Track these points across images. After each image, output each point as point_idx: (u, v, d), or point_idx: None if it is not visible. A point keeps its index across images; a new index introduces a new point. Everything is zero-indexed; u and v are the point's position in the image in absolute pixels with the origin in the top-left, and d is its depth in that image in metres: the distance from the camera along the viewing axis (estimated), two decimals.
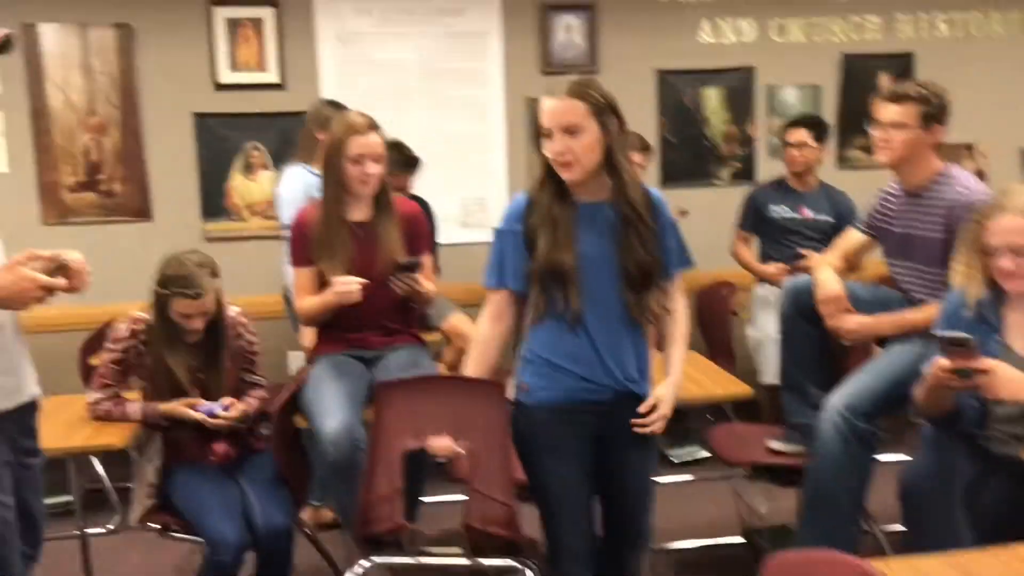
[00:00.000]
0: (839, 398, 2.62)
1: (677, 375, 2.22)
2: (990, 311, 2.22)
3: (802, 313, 2.87)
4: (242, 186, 4.33)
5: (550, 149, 2.03)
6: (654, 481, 2.29)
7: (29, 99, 4.12)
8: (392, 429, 2.25)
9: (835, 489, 2.60)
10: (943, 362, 2.06)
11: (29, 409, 2.00)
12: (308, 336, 3.01)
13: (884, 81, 4.71)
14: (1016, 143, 4.89)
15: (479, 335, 2.24)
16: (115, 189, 4.25)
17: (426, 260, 2.80)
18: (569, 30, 4.45)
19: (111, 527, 3.43)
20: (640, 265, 2.08)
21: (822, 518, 2.61)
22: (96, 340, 3.88)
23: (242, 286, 2.67)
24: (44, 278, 1.86)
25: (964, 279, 2.26)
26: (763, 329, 3.96)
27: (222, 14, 4.19)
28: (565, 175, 2.04)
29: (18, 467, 1.92)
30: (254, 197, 4.35)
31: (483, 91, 4.43)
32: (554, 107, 2.00)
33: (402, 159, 3.75)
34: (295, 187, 3.51)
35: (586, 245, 2.07)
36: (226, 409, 2.59)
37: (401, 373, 2.66)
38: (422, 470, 2.57)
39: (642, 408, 2.14)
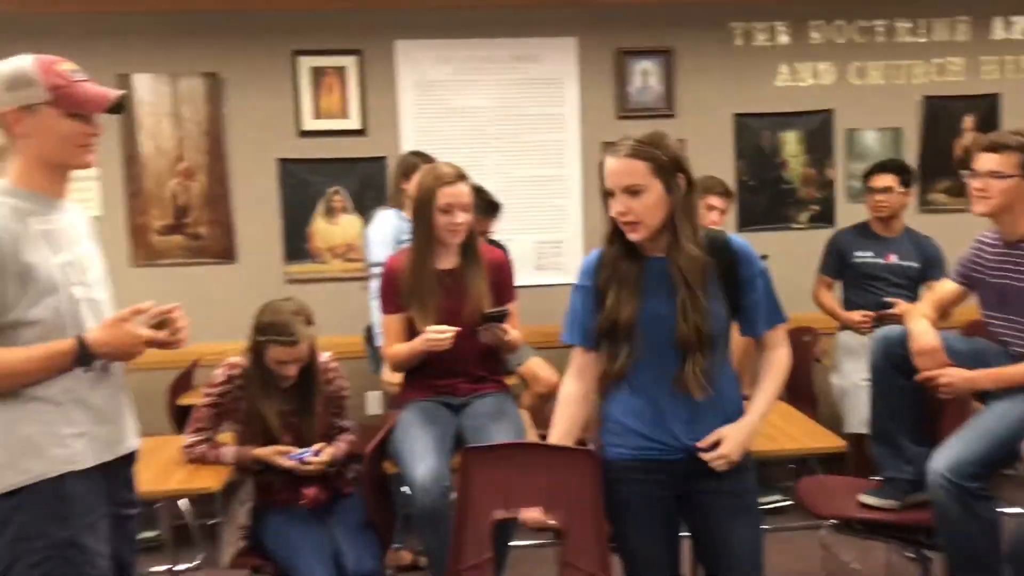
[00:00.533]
0: (943, 462, 2.54)
1: (753, 418, 2.12)
2: None
3: (894, 364, 2.80)
4: (324, 229, 4.42)
5: (614, 209, 2.02)
6: (761, 551, 2.19)
7: (122, 146, 4.28)
8: (481, 497, 2.20)
9: (974, 550, 2.52)
10: None
11: (129, 460, 2.04)
12: (391, 374, 3.07)
13: (968, 124, 4.63)
14: None
15: (562, 392, 2.22)
16: (201, 232, 4.38)
17: (512, 308, 2.82)
18: (646, 75, 4.47)
19: (197, 562, 3.48)
20: (693, 327, 1.99)
21: None
22: (183, 380, 3.99)
23: (321, 327, 2.72)
24: (147, 333, 1.91)
25: None
26: (848, 377, 3.88)
27: (307, 63, 4.32)
28: (630, 235, 2.02)
29: (115, 518, 1.95)
30: (335, 240, 4.43)
31: (559, 135, 4.47)
32: (616, 168, 1.98)
33: (483, 204, 3.80)
34: (384, 229, 3.62)
35: (650, 302, 2.04)
36: (316, 454, 2.63)
37: (488, 421, 2.68)
38: (510, 535, 2.56)
39: (701, 443, 2.06)
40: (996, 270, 2.74)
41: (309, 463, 2.61)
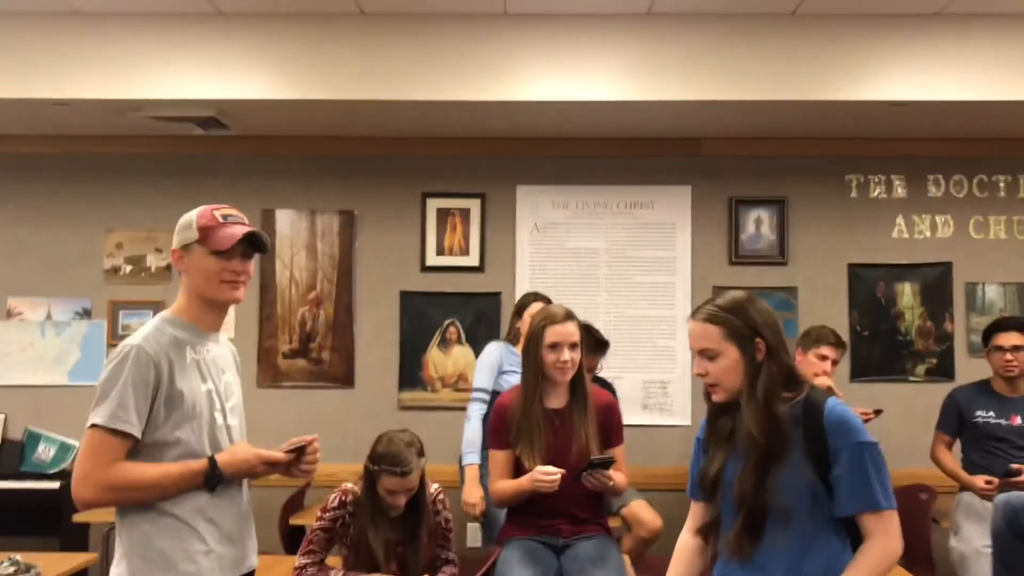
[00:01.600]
0: None
1: None
2: None
3: (1017, 533, 2.69)
4: (438, 359, 4.60)
5: (695, 369, 2.05)
6: None
7: (259, 274, 4.62)
8: None
9: None
10: None
11: None
12: (471, 493, 3.37)
13: None
14: None
15: (679, 543, 2.17)
16: (324, 357, 4.62)
17: (618, 452, 2.86)
18: (759, 223, 4.56)
19: None
20: (743, 495, 1.93)
21: None
22: (296, 500, 4.14)
23: (429, 455, 2.82)
24: (267, 453, 2.09)
25: None
26: (969, 541, 3.68)
27: (434, 204, 4.61)
28: (713, 396, 2.03)
29: None
30: (448, 370, 4.60)
31: (670, 278, 4.57)
32: (692, 331, 2.01)
33: (592, 341, 3.90)
34: (490, 358, 3.81)
35: (731, 462, 2.00)
36: None
37: (589, 565, 2.69)
38: None
39: None
40: None
41: None
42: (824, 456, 1.90)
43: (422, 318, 4.61)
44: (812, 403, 1.94)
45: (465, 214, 4.61)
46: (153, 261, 4.64)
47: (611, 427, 2.88)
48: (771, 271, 4.55)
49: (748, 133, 4.45)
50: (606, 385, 3.95)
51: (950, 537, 3.86)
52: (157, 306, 4.60)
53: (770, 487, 1.90)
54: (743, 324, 1.96)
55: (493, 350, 3.86)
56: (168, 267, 4.60)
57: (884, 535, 1.91)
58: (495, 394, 3.40)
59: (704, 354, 1.99)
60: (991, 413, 3.82)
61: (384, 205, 4.64)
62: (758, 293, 4.50)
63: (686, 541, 2.15)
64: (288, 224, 4.65)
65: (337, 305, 4.63)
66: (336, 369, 4.63)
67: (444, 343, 4.61)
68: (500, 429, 2.88)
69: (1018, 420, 3.77)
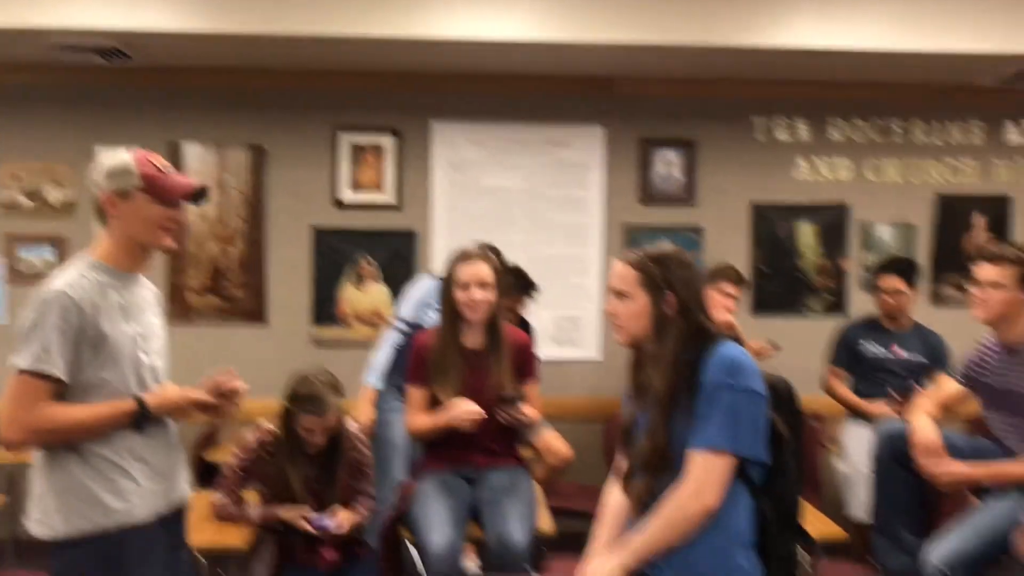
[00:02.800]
0: (939, 556, 2.64)
1: (623, 557, 1.93)
2: None
3: (896, 458, 2.92)
4: (352, 296, 4.61)
5: (606, 306, 2.10)
6: None
7: None
8: None
9: None
10: None
11: (183, 510, 2.23)
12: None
13: (980, 222, 4.77)
14: None
15: (605, 495, 2.16)
16: (235, 294, 4.58)
17: (532, 388, 2.97)
18: (668, 164, 4.67)
19: None
20: (648, 448, 1.95)
21: None
22: (209, 436, 4.14)
23: (344, 390, 2.88)
24: (198, 395, 2.15)
25: None
26: (854, 464, 3.96)
27: (347, 140, 4.56)
28: (616, 335, 2.07)
29: (169, 565, 2.14)
30: (362, 306, 4.61)
31: (584, 218, 4.66)
32: (614, 269, 2.06)
33: (520, 283, 3.98)
34: (420, 287, 3.76)
35: (643, 414, 2.03)
36: (337, 523, 2.75)
37: (501, 494, 2.80)
38: None
39: None
40: (996, 374, 2.87)
41: (329, 531, 2.73)
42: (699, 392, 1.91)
43: (336, 255, 4.59)
44: (707, 349, 1.94)
45: (379, 150, 4.58)
46: (53, 195, 4.47)
47: (525, 365, 2.97)
48: (680, 211, 4.69)
49: (660, 75, 4.52)
50: (526, 326, 4.04)
51: (837, 460, 4.14)
52: (57, 242, 4.46)
53: (671, 439, 1.92)
54: (660, 276, 1.98)
55: (423, 284, 3.83)
56: (72, 203, 4.44)
57: (694, 481, 1.87)
58: (417, 327, 3.44)
59: (617, 294, 2.04)
60: (878, 346, 4.08)
61: (295, 140, 4.56)
62: (667, 233, 4.69)
63: (613, 494, 2.14)
64: (195, 158, 4.53)
65: (248, 241, 4.57)
66: (248, 306, 4.59)
67: (359, 280, 4.61)
68: (418, 367, 2.95)
69: (900, 352, 4.05)
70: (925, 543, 2.77)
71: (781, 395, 2.02)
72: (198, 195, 2.16)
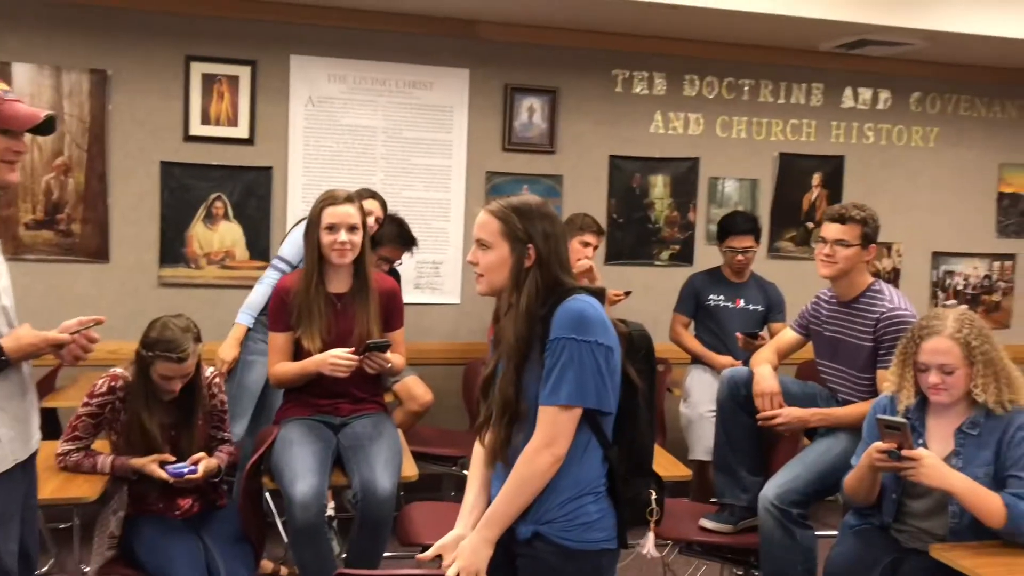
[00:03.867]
0: (772, 489, 2.87)
1: (483, 534, 1.93)
2: (916, 417, 2.51)
3: (738, 402, 3.12)
4: (202, 235, 4.41)
5: (469, 257, 2.08)
6: None
7: None
8: None
9: (789, 569, 2.84)
10: (880, 444, 2.35)
11: (35, 456, 2.13)
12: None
13: (816, 180, 5.10)
14: (929, 246, 5.33)
15: (476, 448, 2.13)
16: (74, 229, 4.28)
17: (398, 335, 2.96)
18: (531, 111, 4.70)
19: (47, 569, 3.42)
20: (503, 400, 1.95)
21: None
22: (46, 382, 3.89)
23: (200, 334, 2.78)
24: (52, 335, 2.05)
25: (896, 388, 2.54)
26: (696, 408, 4.20)
27: (199, 69, 4.31)
28: (477, 285, 2.06)
29: (27, 513, 2.04)
30: (213, 246, 4.43)
31: (446, 161, 4.64)
32: (478, 219, 2.04)
33: (402, 235, 3.93)
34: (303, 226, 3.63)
35: (501, 365, 2.03)
36: (194, 469, 2.68)
37: (366, 440, 2.81)
38: None
39: (424, 556, 2.04)
40: (830, 325, 3.11)
41: (186, 477, 2.65)
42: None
43: (185, 191, 4.37)
44: (557, 303, 1.93)
45: (234, 81, 4.35)
46: None
47: (392, 311, 2.97)
48: (541, 159, 4.75)
49: (524, 20, 4.52)
50: (393, 273, 4.01)
51: (680, 404, 4.38)
52: None
53: (523, 390, 1.93)
54: (521, 227, 1.97)
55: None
56: None
57: (543, 436, 1.88)
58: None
59: (480, 244, 2.03)
60: (721, 297, 4.32)
61: (142, 66, 4.26)
62: (528, 180, 4.75)
63: (479, 451, 2.12)
64: (27, 80, 4.16)
65: (89, 173, 4.27)
66: (89, 242, 4.31)
67: (209, 218, 4.41)
68: (280, 311, 2.88)
69: (741, 303, 4.31)
70: (761, 481, 3.00)
71: (638, 345, 2.06)
72: (46, 125, 1.98)
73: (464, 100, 4.62)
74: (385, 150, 4.57)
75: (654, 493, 2.05)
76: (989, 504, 2.28)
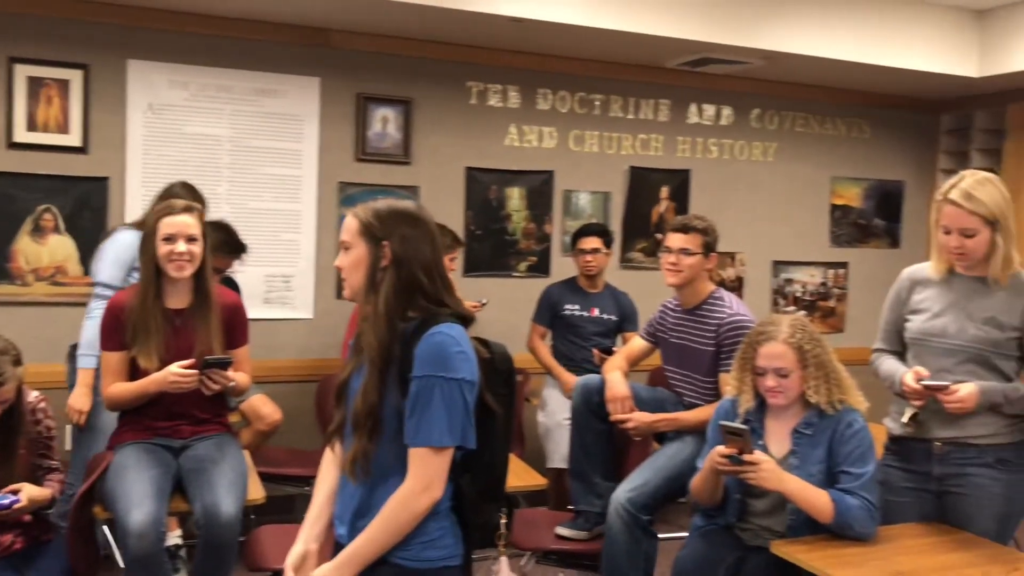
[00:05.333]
0: (623, 493, 2.92)
1: (349, 565, 1.84)
2: (756, 419, 2.61)
3: (591, 409, 3.17)
4: (29, 249, 4.10)
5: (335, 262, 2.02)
6: None
7: None
8: None
9: (627, 572, 2.88)
10: (721, 448, 2.43)
11: None
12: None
13: (664, 193, 5.27)
14: (769, 255, 5.60)
15: (326, 453, 2.08)
16: None
17: (243, 352, 2.84)
18: (386, 121, 4.64)
19: None
20: (359, 411, 1.87)
21: None
22: None
23: (22, 357, 2.57)
24: None
25: (737, 391, 2.63)
26: (553, 415, 4.25)
27: (24, 72, 4.02)
28: (344, 291, 2.00)
29: None
30: (42, 261, 4.12)
31: (297, 171, 4.51)
32: (344, 222, 1.99)
33: (230, 242, 3.76)
34: (120, 249, 3.41)
35: (357, 372, 1.96)
36: (16, 500, 2.47)
37: (208, 464, 2.67)
38: None
39: None
40: (676, 332, 3.20)
41: (7, 509, 2.44)
42: (407, 381, 1.84)
43: (10, 202, 4.05)
44: (422, 325, 1.87)
45: (64, 86, 4.08)
46: None
47: (235, 327, 2.84)
48: (396, 170, 4.69)
49: (377, 30, 4.47)
50: (231, 283, 3.85)
51: (538, 413, 4.42)
52: None
53: (384, 400, 1.86)
54: (379, 225, 1.92)
55: (126, 241, 3.41)
56: None
57: (420, 479, 1.82)
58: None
59: (343, 246, 1.98)
60: (576, 306, 4.40)
61: None
62: (382, 191, 4.69)
63: (328, 466, 2.08)
64: None
65: None
66: None
67: (38, 231, 4.11)
68: (114, 329, 2.70)
69: (596, 312, 4.39)
70: (614, 486, 3.05)
71: (499, 368, 2.00)
72: None
73: (315, 109, 4.51)
74: (231, 160, 4.39)
75: (504, 517, 2.02)
76: (819, 502, 2.40)
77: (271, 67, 4.42)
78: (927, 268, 2.67)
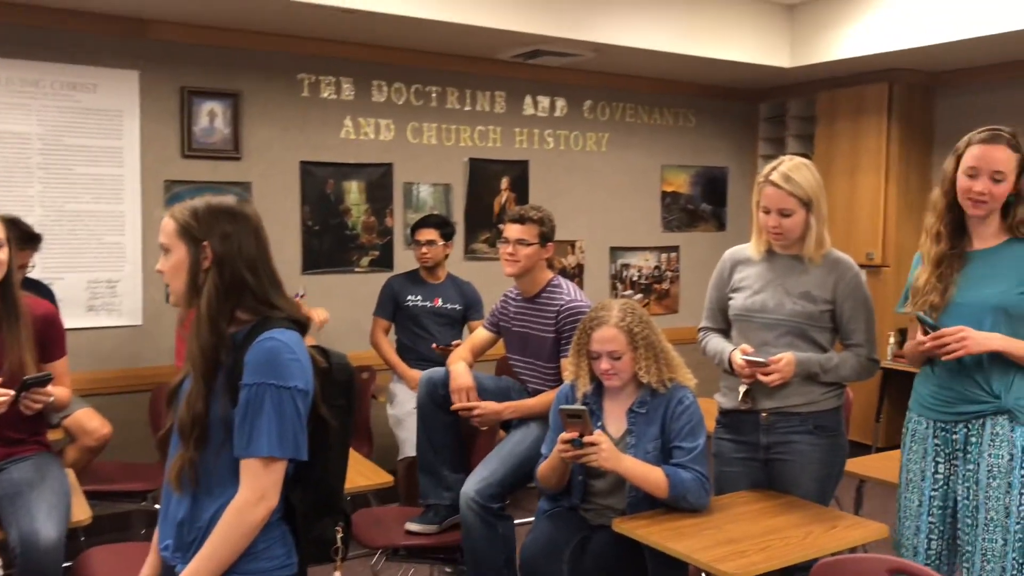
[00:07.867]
0: (472, 485, 2.94)
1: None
2: (594, 402, 2.68)
3: (436, 402, 3.17)
4: None
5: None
6: None
7: None
8: None
9: (490, 561, 2.90)
10: (564, 435, 2.48)
11: None
12: None
13: (505, 184, 5.33)
14: (607, 242, 5.77)
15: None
16: None
17: (60, 365, 2.65)
18: (213, 115, 4.45)
19: None
20: (185, 418, 1.78)
21: None
22: None
23: None
24: None
25: (574, 376, 2.70)
26: (402, 406, 4.22)
27: None
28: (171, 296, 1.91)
29: None
30: None
31: (118, 170, 4.25)
32: (162, 222, 1.89)
33: (20, 235, 3.48)
34: None
35: (190, 378, 1.87)
36: None
37: (26, 488, 2.49)
38: None
39: None
40: (518, 320, 3.24)
41: None
42: (237, 389, 1.76)
43: None
44: (254, 330, 1.80)
45: None
46: None
47: (50, 339, 2.64)
48: (225, 165, 4.51)
49: (201, 20, 4.27)
50: (43, 289, 3.59)
51: (387, 406, 4.38)
52: None
53: (211, 407, 1.78)
54: (197, 225, 1.82)
55: None
56: None
57: (254, 491, 1.74)
58: None
59: (162, 248, 1.87)
60: (419, 297, 4.38)
61: None
62: (212, 187, 4.51)
63: None
64: None
65: None
66: None
67: None
68: None
69: (439, 302, 4.39)
70: (463, 478, 3.06)
71: (337, 379, 1.92)
72: None
73: (135, 104, 4.27)
74: (42, 159, 4.09)
75: (340, 531, 1.94)
76: (653, 478, 2.50)
77: (84, 60, 4.14)
78: (747, 249, 2.81)
